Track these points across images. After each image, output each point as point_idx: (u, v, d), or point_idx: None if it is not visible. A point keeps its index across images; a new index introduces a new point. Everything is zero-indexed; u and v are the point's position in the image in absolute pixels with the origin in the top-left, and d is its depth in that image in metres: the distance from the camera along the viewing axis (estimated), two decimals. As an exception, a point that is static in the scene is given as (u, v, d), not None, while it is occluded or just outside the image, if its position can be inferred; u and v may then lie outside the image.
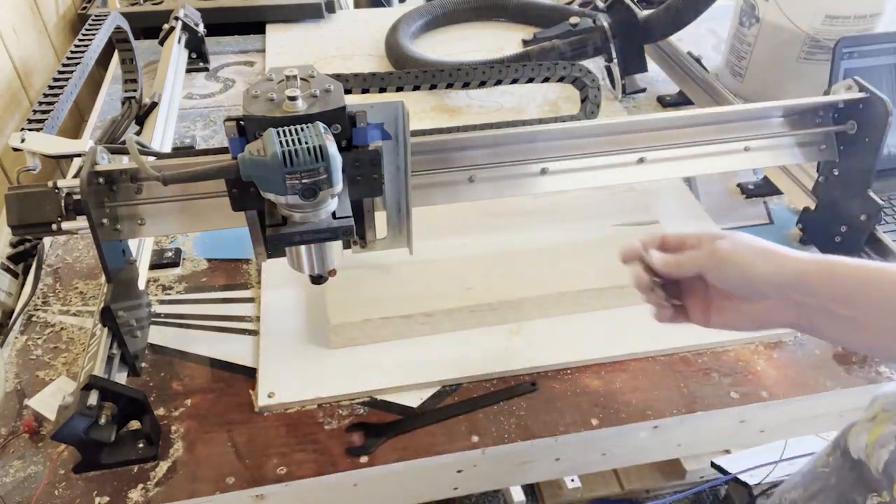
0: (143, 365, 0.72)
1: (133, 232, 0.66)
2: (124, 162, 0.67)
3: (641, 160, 0.79)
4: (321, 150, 0.54)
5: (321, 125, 0.56)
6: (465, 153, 0.75)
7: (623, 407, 0.70)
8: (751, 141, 0.81)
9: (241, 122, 0.58)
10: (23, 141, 0.75)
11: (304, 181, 0.54)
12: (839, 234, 0.82)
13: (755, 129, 0.81)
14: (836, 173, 0.83)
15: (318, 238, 0.58)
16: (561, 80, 1.02)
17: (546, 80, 1.03)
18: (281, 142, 0.54)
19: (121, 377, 0.66)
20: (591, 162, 0.78)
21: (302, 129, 0.55)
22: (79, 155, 0.78)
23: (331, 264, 0.64)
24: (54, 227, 0.63)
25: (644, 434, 0.70)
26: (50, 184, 0.63)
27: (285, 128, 0.55)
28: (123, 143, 0.64)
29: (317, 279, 0.66)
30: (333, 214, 0.59)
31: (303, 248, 0.62)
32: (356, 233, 0.71)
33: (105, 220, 0.63)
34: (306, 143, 0.54)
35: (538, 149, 0.76)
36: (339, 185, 0.56)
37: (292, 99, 0.58)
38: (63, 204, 0.63)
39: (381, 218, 0.73)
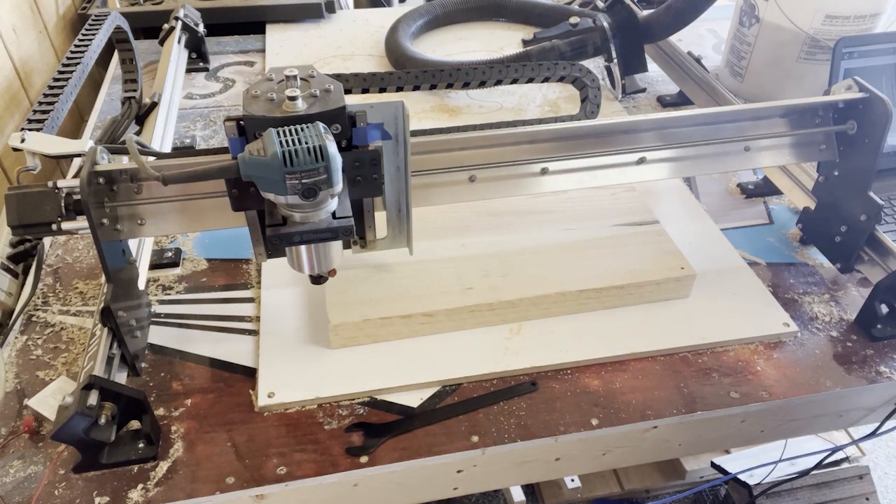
0: (143, 365, 0.72)
1: (133, 232, 0.67)
2: (124, 162, 0.67)
3: (641, 160, 0.79)
4: (321, 150, 0.54)
5: (321, 125, 0.56)
6: (465, 153, 0.75)
7: (623, 407, 0.70)
8: (751, 141, 0.81)
9: (241, 122, 0.58)
10: (23, 141, 0.75)
11: (304, 181, 0.54)
12: (839, 233, 0.82)
13: (755, 129, 0.81)
14: (836, 173, 0.83)
15: (319, 238, 0.59)
16: (561, 80, 1.02)
17: (546, 80, 1.03)
18: (281, 142, 0.54)
19: (121, 377, 0.66)
20: (591, 162, 0.78)
21: (302, 129, 0.55)
22: (79, 155, 0.78)
23: (331, 264, 0.64)
24: (54, 227, 0.63)
25: (644, 434, 0.70)
26: (50, 184, 0.63)
27: (285, 128, 0.55)
28: (123, 143, 0.64)
29: (317, 279, 0.66)
30: (333, 214, 0.59)
31: (303, 248, 0.62)
32: (356, 233, 0.71)
33: (105, 220, 0.63)
34: (306, 143, 0.54)
35: (538, 149, 0.76)
36: (339, 185, 0.56)
37: (292, 99, 0.58)
38: (63, 204, 0.63)
39: (381, 218, 0.73)
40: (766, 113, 0.80)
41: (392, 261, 0.79)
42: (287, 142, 0.54)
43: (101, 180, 0.63)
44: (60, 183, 0.63)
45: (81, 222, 0.62)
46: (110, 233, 0.64)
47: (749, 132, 0.80)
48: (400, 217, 0.74)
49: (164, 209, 0.67)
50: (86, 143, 0.78)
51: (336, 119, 0.60)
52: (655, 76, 1.30)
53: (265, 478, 0.63)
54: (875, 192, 0.78)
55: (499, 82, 1.02)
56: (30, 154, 0.75)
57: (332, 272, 0.66)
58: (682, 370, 0.74)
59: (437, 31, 1.44)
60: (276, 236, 0.58)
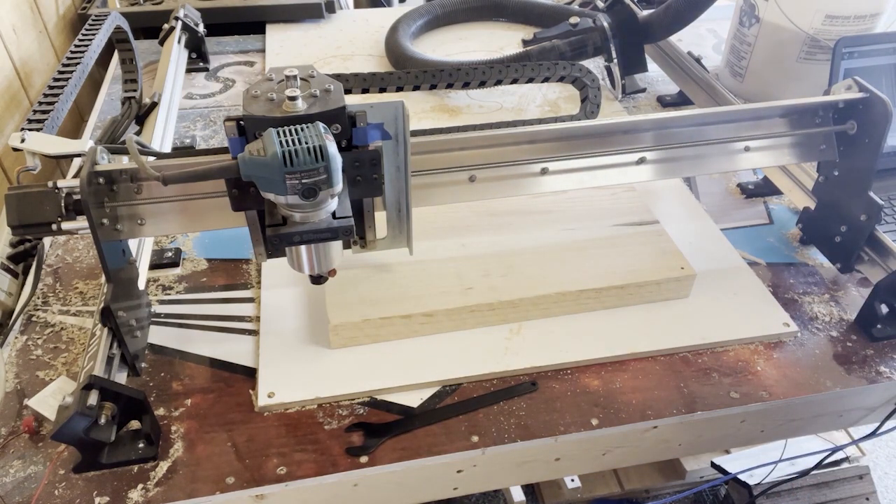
0: (143, 365, 0.72)
1: (133, 232, 0.66)
2: (124, 162, 0.67)
3: (642, 160, 0.79)
4: (321, 150, 0.54)
5: (321, 125, 0.56)
6: (465, 153, 0.75)
7: (623, 407, 0.70)
8: (751, 141, 0.81)
9: (241, 122, 0.58)
10: (23, 141, 0.74)
11: (304, 181, 0.54)
12: (839, 233, 0.82)
13: (755, 129, 0.80)
14: (836, 173, 0.83)
15: (319, 238, 0.59)
16: (561, 79, 1.02)
17: (546, 80, 1.03)
18: (281, 142, 0.54)
19: (121, 377, 0.66)
20: (591, 162, 0.78)
21: (302, 129, 0.55)
22: (79, 155, 0.78)
23: (331, 264, 0.64)
24: (54, 227, 0.63)
25: (644, 434, 0.70)
26: (50, 184, 0.63)
27: (285, 128, 0.55)
28: (123, 143, 0.64)
29: (317, 279, 0.66)
30: (333, 214, 0.59)
31: (303, 248, 0.62)
32: (356, 233, 0.71)
33: (105, 220, 0.63)
34: (306, 143, 0.54)
35: (538, 149, 0.76)
36: (339, 185, 0.56)
37: (292, 99, 0.58)
38: (63, 204, 0.63)
39: (381, 218, 0.73)
40: (766, 113, 0.80)
41: (392, 261, 0.79)
42: (287, 142, 0.54)
43: (101, 180, 0.63)
44: (60, 183, 0.63)
45: (81, 222, 0.62)
46: (110, 233, 0.64)
47: (749, 132, 0.80)
48: (400, 217, 0.74)
49: (164, 209, 0.67)
50: (86, 143, 0.78)
51: (336, 119, 0.60)
52: (655, 76, 1.30)
53: (265, 478, 0.63)
54: (875, 192, 0.78)
55: (499, 82, 1.02)
56: (30, 154, 0.75)
57: (332, 272, 0.66)
58: (682, 370, 0.74)
59: (437, 31, 1.44)
60: (276, 236, 0.58)
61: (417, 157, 0.72)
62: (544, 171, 0.77)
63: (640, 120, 0.77)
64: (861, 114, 0.78)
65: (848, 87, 0.79)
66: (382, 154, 0.64)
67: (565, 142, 0.76)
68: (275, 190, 0.55)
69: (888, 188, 0.94)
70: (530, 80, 1.03)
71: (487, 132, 0.75)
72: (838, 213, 0.82)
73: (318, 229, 0.58)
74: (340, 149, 0.58)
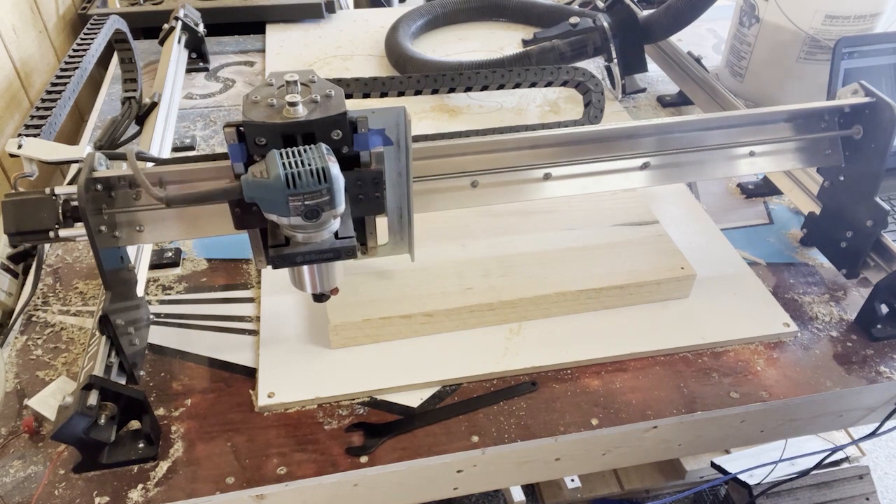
0: (141, 373, 0.71)
1: (132, 239, 0.65)
2: (123, 168, 0.67)
3: (645, 165, 0.78)
4: (324, 172, 0.53)
5: (324, 146, 0.56)
6: (467, 158, 0.74)
7: (623, 407, 0.70)
8: (756, 146, 0.80)
9: (241, 129, 0.58)
10: (19, 147, 0.74)
11: (306, 203, 0.54)
12: (845, 239, 0.82)
13: (760, 134, 0.80)
14: (842, 178, 0.82)
15: (321, 259, 0.58)
16: (564, 84, 1.02)
17: (549, 84, 1.02)
18: (284, 164, 0.53)
19: (121, 377, 0.66)
20: (594, 167, 0.77)
21: (304, 151, 0.55)
22: (76, 161, 0.77)
23: (333, 283, 0.64)
24: (52, 234, 0.61)
25: (644, 434, 0.70)
26: (47, 190, 0.62)
27: (288, 149, 0.55)
28: (122, 144, 0.63)
29: (319, 297, 0.66)
30: (336, 234, 0.59)
31: (305, 267, 0.62)
32: (357, 238, 0.70)
33: (103, 227, 0.62)
34: (309, 165, 0.53)
35: (541, 154, 0.76)
36: (341, 206, 0.56)
37: (292, 104, 0.57)
38: (60, 211, 0.61)
39: (382, 223, 0.72)
40: (770, 118, 0.80)
41: (392, 262, 0.79)
42: (290, 164, 0.54)
43: (99, 187, 0.62)
44: (58, 189, 0.62)
45: (79, 230, 0.61)
46: (108, 240, 0.63)
47: (754, 137, 0.80)
48: (402, 223, 0.73)
49: (163, 215, 0.65)
50: (83, 149, 0.77)
51: (337, 125, 0.59)
52: (655, 76, 1.30)
53: (265, 478, 0.63)
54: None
55: (501, 87, 1.02)
56: (27, 160, 0.75)
57: (335, 290, 0.66)
58: (682, 370, 0.74)
59: (437, 31, 1.44)
60: (278, 257, 0.57)
61: (419, 163, 0.71)
62: (547, 177, 0.76)
63: (644, 125, 0.77)
64: (867, 118, 0.77)
65: (854, 92, 0.79)
66: (385, 172, 0.63)
67: (568, 147, 0.76)
68: (278, 211, 0.55)
69: (887, 188, 0.94)
70: (533, 85, 1.03)
71: (490, 137, 0.75)
72: (844, 218, 0.82)
73: (320, 250, 0.57)
74: (341, 155, 0.58)
